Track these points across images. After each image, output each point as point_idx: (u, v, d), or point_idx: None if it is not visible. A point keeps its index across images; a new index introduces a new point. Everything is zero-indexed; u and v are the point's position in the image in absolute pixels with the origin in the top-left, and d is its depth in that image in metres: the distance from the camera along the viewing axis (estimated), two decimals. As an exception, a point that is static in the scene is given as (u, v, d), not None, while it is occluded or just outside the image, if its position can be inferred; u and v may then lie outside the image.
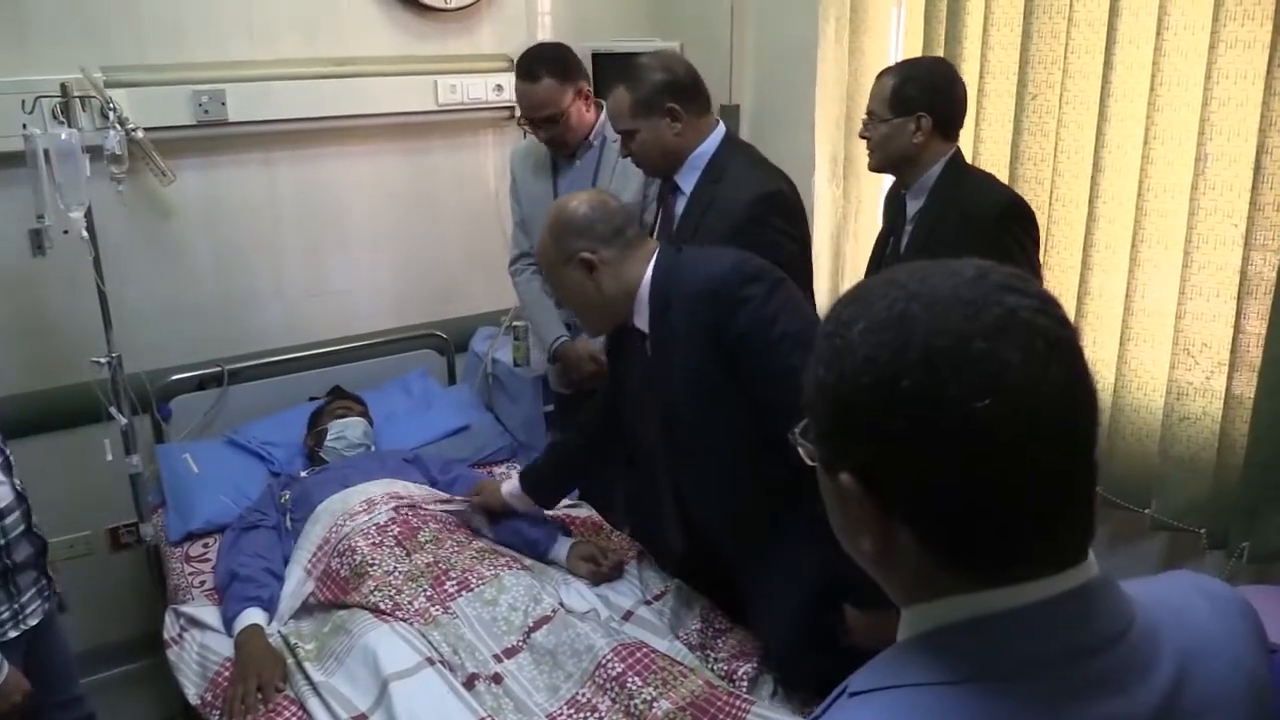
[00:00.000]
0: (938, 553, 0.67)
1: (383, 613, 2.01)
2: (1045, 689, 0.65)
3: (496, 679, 1.88)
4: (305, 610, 2.11)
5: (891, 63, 2.71)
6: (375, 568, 2.11)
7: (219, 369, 2.92)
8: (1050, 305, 0.67)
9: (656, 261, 1.86)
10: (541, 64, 2.51)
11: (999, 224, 2.00)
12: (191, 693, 1.99)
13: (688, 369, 1.81)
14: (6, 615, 1.85)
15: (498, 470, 2.84)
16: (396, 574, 2.10)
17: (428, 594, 2.06)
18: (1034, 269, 2.07)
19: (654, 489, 2.10)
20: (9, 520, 1.84)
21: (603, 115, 2.54)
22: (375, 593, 2.05)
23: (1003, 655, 0.66)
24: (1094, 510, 0.69)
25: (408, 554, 2.16)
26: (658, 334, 1.86)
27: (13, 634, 1.85)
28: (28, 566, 1.89)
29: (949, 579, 0.68)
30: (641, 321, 1.88)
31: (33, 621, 1.89)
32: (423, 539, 2.21)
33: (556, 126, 2.54)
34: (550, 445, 2.40)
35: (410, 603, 2.03)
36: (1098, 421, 0.68)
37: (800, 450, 0.75)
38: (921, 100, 2.08)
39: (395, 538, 2.20)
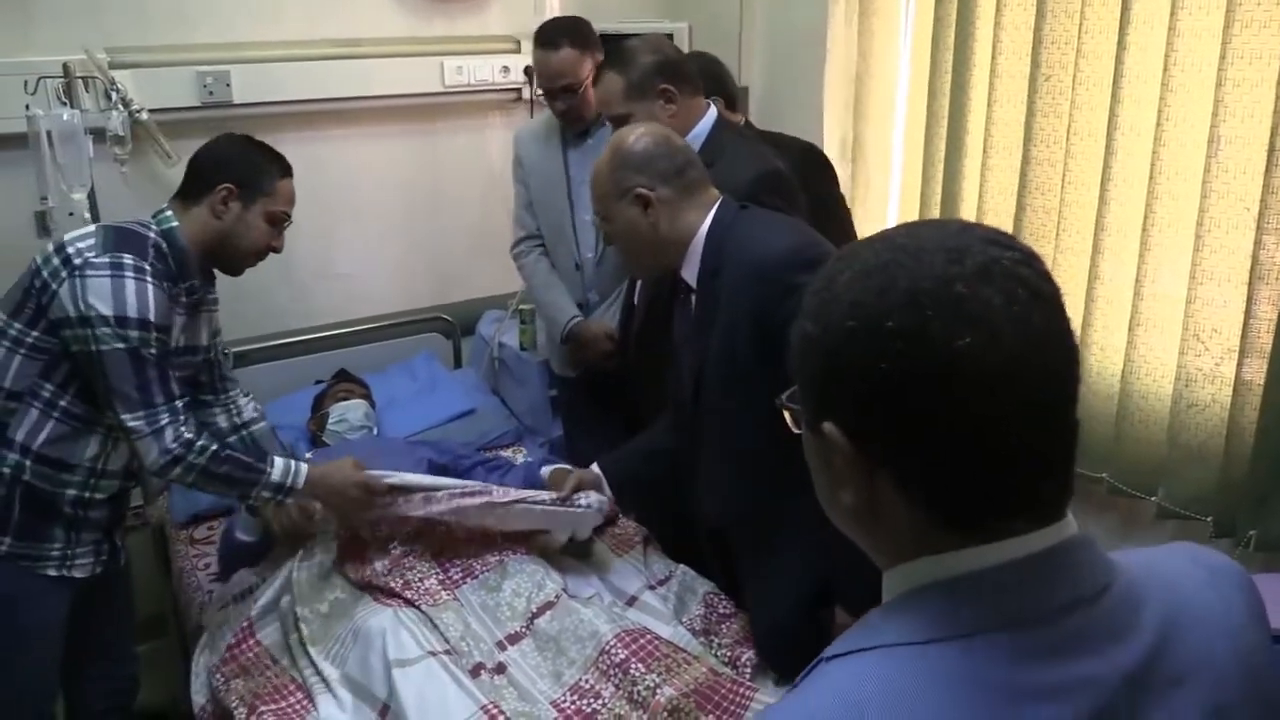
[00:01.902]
0: (918, 500, 0.67)
1: (393, 592, 2.01)
2: (1015, 647, 0.65)
3: (500, 669, 1.86)
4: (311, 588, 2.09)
5: (901, 46, 2.71)
6: (393, 546, 2.11)
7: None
8: (1034, 260, 0.68)
9: (716, 214, 1.78)
10: (562, 33, 2.52)
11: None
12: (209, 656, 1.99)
13: (723, 348, 1.75)
14: (55, 554, 1.88)
15: (503, 454, 2.83)
16: (409, 554, 2.10)
17: (438, 576, 2.06)
18: None
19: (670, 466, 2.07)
20: (103, 483, 1.92)
21: None
22: (387, 575, 2.04)
23: (975, 614, 0.66)
24: (1073, 467, 0.70)
25: (417, 534, 2.15)
26: (704, 295, 1.80)
27: (52, 573, 1.88)
28: (95, 526, 1.94)
29: (929, 532, 0.68)
30: (689, 274, 1.82)
31: (78, 574, 1.92)
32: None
33: (574, 98, 2.53)
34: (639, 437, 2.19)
35: (421, 581, 2.03)
36: (1078, 377, 0.69)
37: (786, 416, 0.76)
38: (706, 88, 2.36)
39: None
